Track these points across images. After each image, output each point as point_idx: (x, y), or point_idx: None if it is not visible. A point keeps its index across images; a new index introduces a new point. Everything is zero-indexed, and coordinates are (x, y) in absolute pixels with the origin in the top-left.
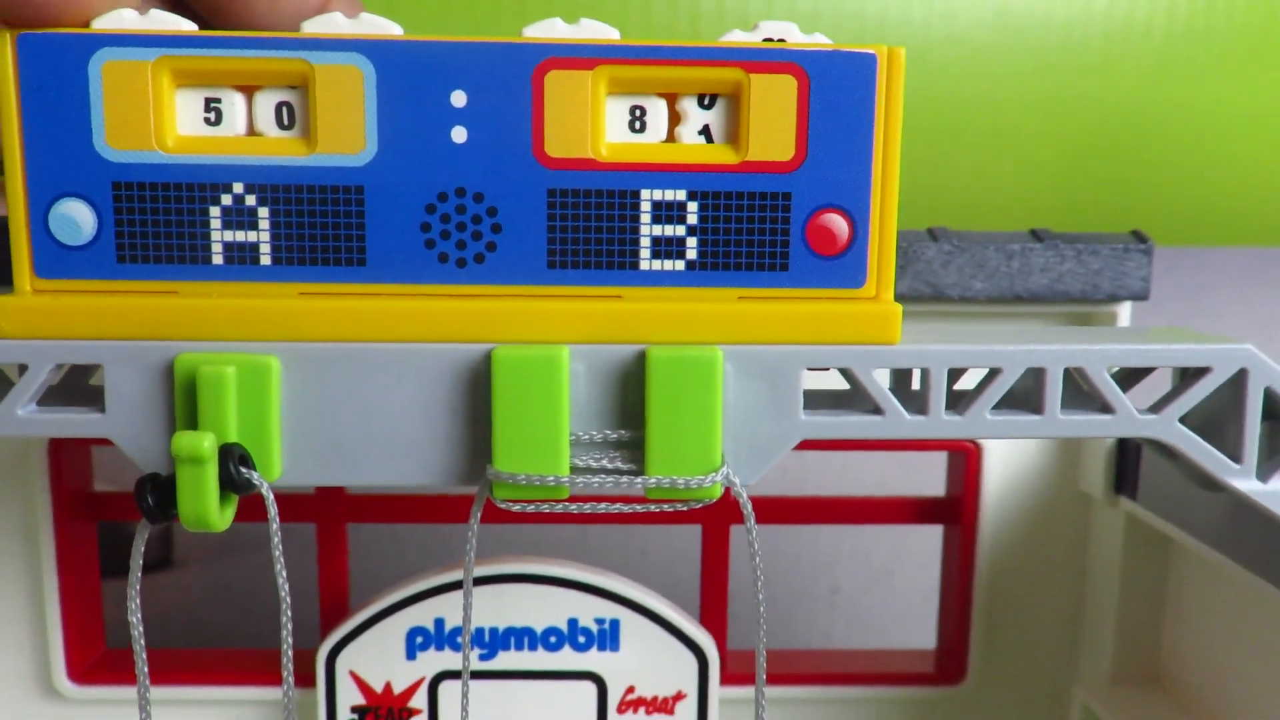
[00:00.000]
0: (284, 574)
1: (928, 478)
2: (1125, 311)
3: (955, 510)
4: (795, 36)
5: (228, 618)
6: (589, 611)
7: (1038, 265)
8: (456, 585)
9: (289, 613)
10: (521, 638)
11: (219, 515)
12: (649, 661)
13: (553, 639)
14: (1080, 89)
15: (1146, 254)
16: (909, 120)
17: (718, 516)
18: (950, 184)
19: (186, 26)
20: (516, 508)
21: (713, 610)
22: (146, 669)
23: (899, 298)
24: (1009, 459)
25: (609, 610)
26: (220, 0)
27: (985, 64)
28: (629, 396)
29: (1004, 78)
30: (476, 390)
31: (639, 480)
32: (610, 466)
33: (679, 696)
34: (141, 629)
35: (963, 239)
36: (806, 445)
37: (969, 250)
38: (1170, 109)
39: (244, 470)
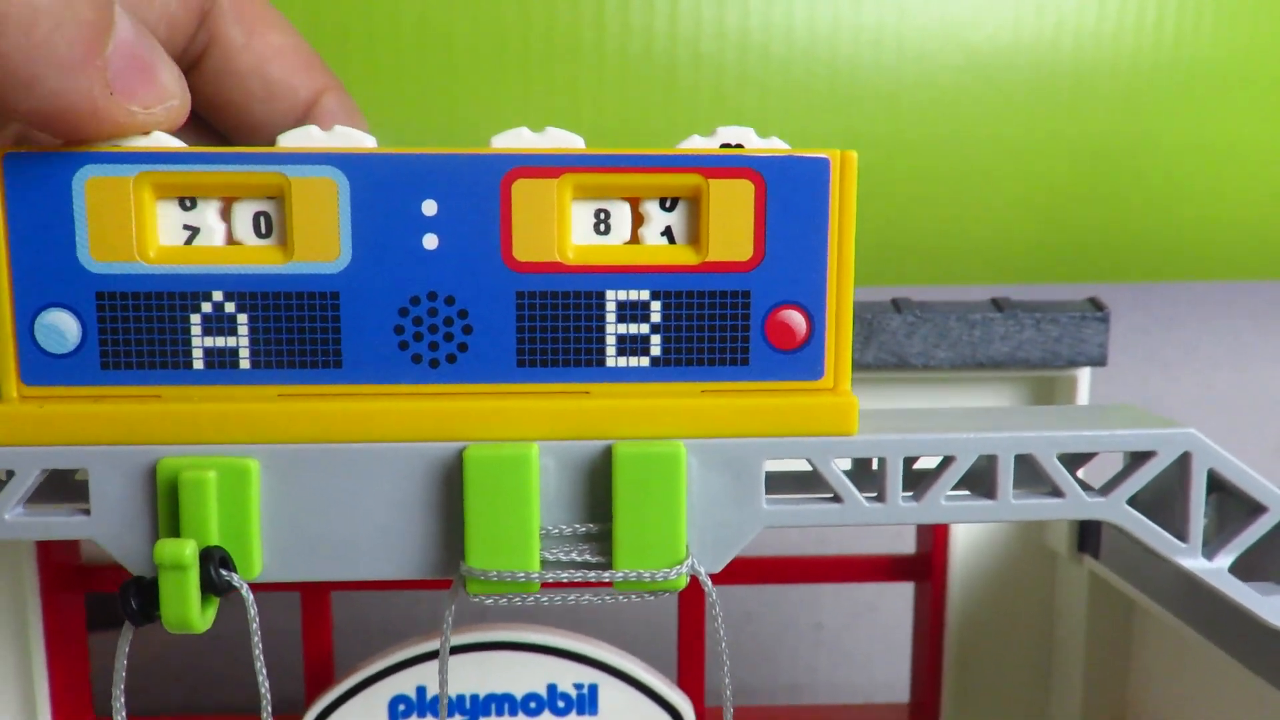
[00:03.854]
0: (264, 671)
1: None
2: (1085, 376)
3: (925, 567)
4: (752, 141)
5: (218, 668)
6: (568, 677)
7: (998, 334)
8: (438, 654)
9: (269, 708)
10: (502, 704)
11: (200, 617)
12: None
13: (532, 704)
14: (1049, 128)
15: (1103, 321)
16: (884, 162)
17: (693, 582)
18: (925, 223)
19: (170, 143)
20: (489, 601)
21: (690, 672)
22: None
23: (866, 367)
24: None
25: (587, 675)
26: (220, 101)
27: (955, 106)
28: (598, 490)
29: (974, 119)
30: (450, 487)
31: (607, 574)
32: (580, 560)
33: None
34: None
35: (925, 309)
36: None
37: (932, 320)
38: (1138, 147)
39: (224, 573)
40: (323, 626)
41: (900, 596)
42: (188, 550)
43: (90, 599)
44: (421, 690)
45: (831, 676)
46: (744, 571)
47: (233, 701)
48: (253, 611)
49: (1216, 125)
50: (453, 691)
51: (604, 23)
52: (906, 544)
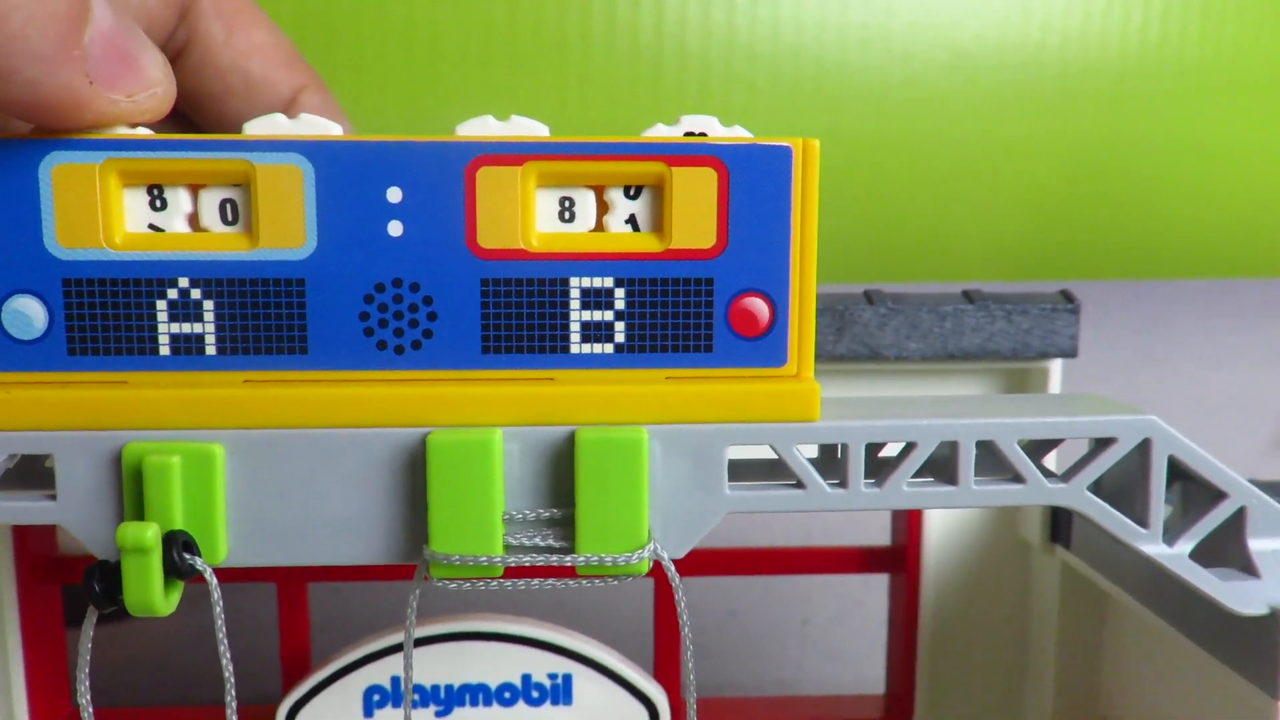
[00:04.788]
0: (228, 655)
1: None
2: (1057, 367)
3: (899, 559)
4: (715, 130)
5: (199, 665)
6: (542, 667)
7: (969, 325)
8: (414, 644)
9: (234, 693)
10: (476, 694)
11: (163, 601)
12: (601, 715)
13: (507, 694)
14: (1036, 127)
15: (1074, 313)
16: (871, 160)
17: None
18: (911, 220)
19: (138, 131)
20: (453, 586)
21: (665, 663)
22: None
23: (839, 358)
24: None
25: (561, 665)
26: (199, 96)
27: (942, 105)
28: (561, 475)
29: (961, 117)
30: (414, 472)
31: (570, 558)
32: (543, 545)
33: None
34: (91, 711)
35: (897, 301)
36: None
37: (904, 312)
38: (1124, 146)
39: (187, 557)
40: (299, 619)
41: (886, 590)
42: (149, 533)
43: (69, 594)
44: (396, 680)
45: (819, 673)
46: (719, 562)
47: (215, 698)
48: (216, 595)
49: (1202, 125)
50: (427, 682)
51: (590, 20)
52: (885, 540)
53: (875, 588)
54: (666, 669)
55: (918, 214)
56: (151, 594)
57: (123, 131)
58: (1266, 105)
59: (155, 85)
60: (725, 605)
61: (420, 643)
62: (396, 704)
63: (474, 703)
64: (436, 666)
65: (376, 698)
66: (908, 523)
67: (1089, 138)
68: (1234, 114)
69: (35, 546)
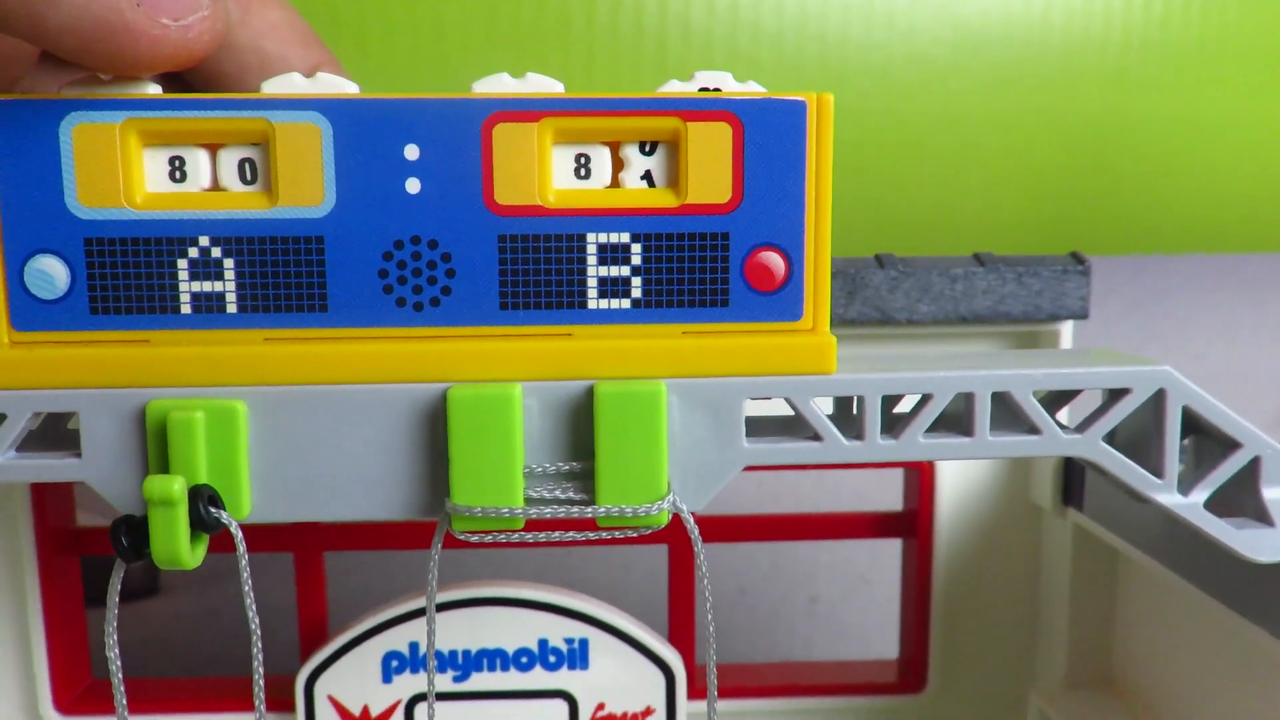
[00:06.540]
0: (254, 607)
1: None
2: (1067, 330)
3: (912, 524)
4: (730, 85)
5: (216, 643)
6: (558, 632)
7: (980, 288)
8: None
9: (259, 644)
10: (494, 659)
11: (190, 554)
12: (618, 678)
13: (524, 659)
14: (1040, 103)
15: (1084, 274)
16: (875, 137)
17: (683, 537)
18: (914, 197)
19: (151, 90)
20: (475, 538)
21: (681, 628)
22: (125, 701)
23: (850, 322)
24: (962, 473)
25: (578, 630)
26: (215, 75)
27: (945, 81)
28: (580, 429)
29: (964, 94)
30: (435, 427)
31: (590, 510)
32: (563, 497)
33: (648, 711)
34: (119, 664)
35: (908, 264)
36: None
37: (914, 275)
38: (1129, 121)
39: (213, 510)
40: (316, 588)
41: (894, 568)
42: (176, 486)
43: (89, 573)
44: (414, 646)
45: (827, 649)
46: (732, 529)
47: (231, 674)
48: (242, 548)
49: (1205, 100)
50: (445, 647)
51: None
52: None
53: (882, 565)
54: (681, 638)
55: (922, 190)
56: (178, 547)
57: (142, 91)
58: (1269, 81)
59: (201, 7)
60: (734, 583)
61: (438, 609)
62: (415, 670)
63: (491, 667)
64: (454, 632)
65: (395, 664)
66: (920, 487)
67: (1093, 113)
68: (1237, 90)
69: (54, 519)
